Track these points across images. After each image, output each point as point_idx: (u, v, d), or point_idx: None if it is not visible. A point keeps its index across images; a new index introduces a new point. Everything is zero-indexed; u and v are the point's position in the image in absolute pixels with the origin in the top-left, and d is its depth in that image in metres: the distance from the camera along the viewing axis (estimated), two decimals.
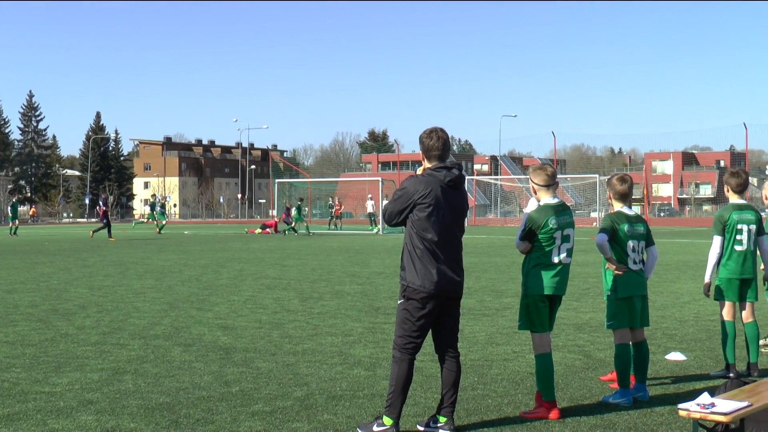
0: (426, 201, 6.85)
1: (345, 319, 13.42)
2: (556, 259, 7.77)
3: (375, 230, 52.65)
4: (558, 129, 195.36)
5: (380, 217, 53.09)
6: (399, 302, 7.05)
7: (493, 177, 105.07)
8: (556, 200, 7.91)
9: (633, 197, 9.21)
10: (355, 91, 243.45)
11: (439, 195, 6.89)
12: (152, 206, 52.94)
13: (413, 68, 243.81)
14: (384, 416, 6.97)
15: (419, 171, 7.08)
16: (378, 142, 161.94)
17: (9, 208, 50.95)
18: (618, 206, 8.53)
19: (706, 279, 9.54)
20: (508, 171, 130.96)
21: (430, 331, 7.11)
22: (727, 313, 9.40)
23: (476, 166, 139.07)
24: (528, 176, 8.30)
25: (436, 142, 7.02)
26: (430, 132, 7.06)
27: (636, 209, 9.74)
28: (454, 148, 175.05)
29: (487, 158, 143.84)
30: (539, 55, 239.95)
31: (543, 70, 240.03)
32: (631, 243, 8.36)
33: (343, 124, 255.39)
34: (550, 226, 7.71)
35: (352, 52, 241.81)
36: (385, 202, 54.12)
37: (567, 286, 7.98)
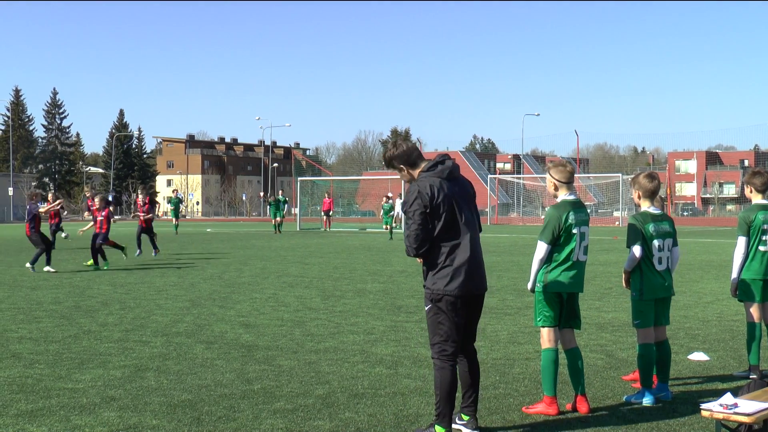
0: (439, 201, 6.67)
1: (367, 317, 13.42)
2: (575, 258, 7.75)
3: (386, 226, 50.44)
4: (581, 128, 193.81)
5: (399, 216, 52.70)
6: (427, 308, 6.85)
7: (516, 176, 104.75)
8: (573, 197, 7.90)
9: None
10: (377, 89, 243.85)
11: (447, 192, 6.73)
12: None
13: (436, 67, 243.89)
14: (436, 425, 6.77)
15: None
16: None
17: (170, 204, 45.01)
18: (645, 205, 8.40)
19: (733, 278, 9.41)
20: (530, 170, 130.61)
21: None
22: (753, 315, 9.29)
23: (499, 165, 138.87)
24: (546, 172, 8.20)
25: (407, 146, 6.96)
26: (393, 144, 7.00)
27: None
28: (477, 146, 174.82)
29: (509, 157, 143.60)
30: (562, 54, 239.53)
31: (566, 69, 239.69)
32: (656, 242, 8.20)
33: (365, 122, 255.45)
34: (570, 221, 7.68)
35: (374, 50, 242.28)
36: (399, 201, 52.69)
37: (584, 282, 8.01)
